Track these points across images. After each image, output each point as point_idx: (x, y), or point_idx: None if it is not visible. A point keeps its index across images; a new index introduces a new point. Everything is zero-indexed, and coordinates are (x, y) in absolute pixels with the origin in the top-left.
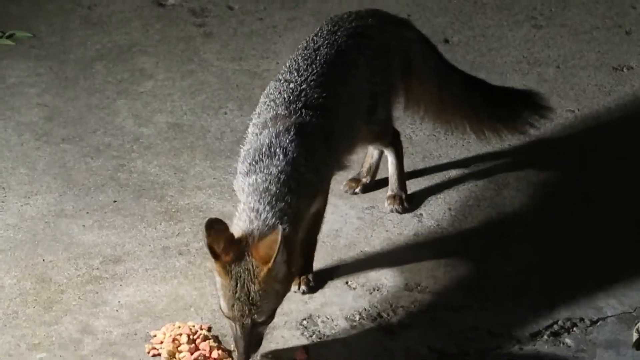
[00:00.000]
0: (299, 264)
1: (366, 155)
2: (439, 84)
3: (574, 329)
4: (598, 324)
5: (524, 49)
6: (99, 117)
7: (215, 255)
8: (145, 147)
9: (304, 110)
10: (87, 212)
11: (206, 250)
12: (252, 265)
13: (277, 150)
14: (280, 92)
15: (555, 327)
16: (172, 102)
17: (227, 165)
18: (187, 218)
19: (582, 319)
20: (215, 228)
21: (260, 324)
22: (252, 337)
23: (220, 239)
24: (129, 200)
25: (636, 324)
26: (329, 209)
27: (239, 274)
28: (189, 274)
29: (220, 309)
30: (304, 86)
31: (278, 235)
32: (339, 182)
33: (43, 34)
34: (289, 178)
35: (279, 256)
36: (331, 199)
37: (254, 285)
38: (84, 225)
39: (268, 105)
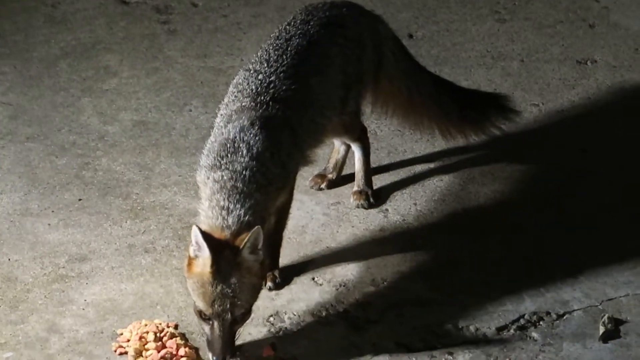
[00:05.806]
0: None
1: (332, 151)
2: (408, 84)
3: (541, 322)
4: (564, 317)
5: (487, 43)
6: (64, 115)
7: (215, 260)
8: (110, 145)
9: (271, 103)
10: (53, 211)
11: (204, 255)
12: (233, 260)
13: (241, 145)
14: (248, 83)
15: (522, 321)
16: (137, 99)
17: (192, 162)
18: (153, 216)
19: (548, 313)
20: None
21: (238, 321)
22: (231, 335)
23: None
24: (94, 199)
25: (602, 317)
26: (294, 205)
27: (220, 271)
28: (155, 271)
29: (197, 311)
30: (272, 77)
31: (259, 232)
32: (304, 178)
33: (7, 32)
34: (254, 174)
35: (260, 251)
36: (297, 195)
37: (235, 278)
38: (49, 224)
39: (235, 96)
